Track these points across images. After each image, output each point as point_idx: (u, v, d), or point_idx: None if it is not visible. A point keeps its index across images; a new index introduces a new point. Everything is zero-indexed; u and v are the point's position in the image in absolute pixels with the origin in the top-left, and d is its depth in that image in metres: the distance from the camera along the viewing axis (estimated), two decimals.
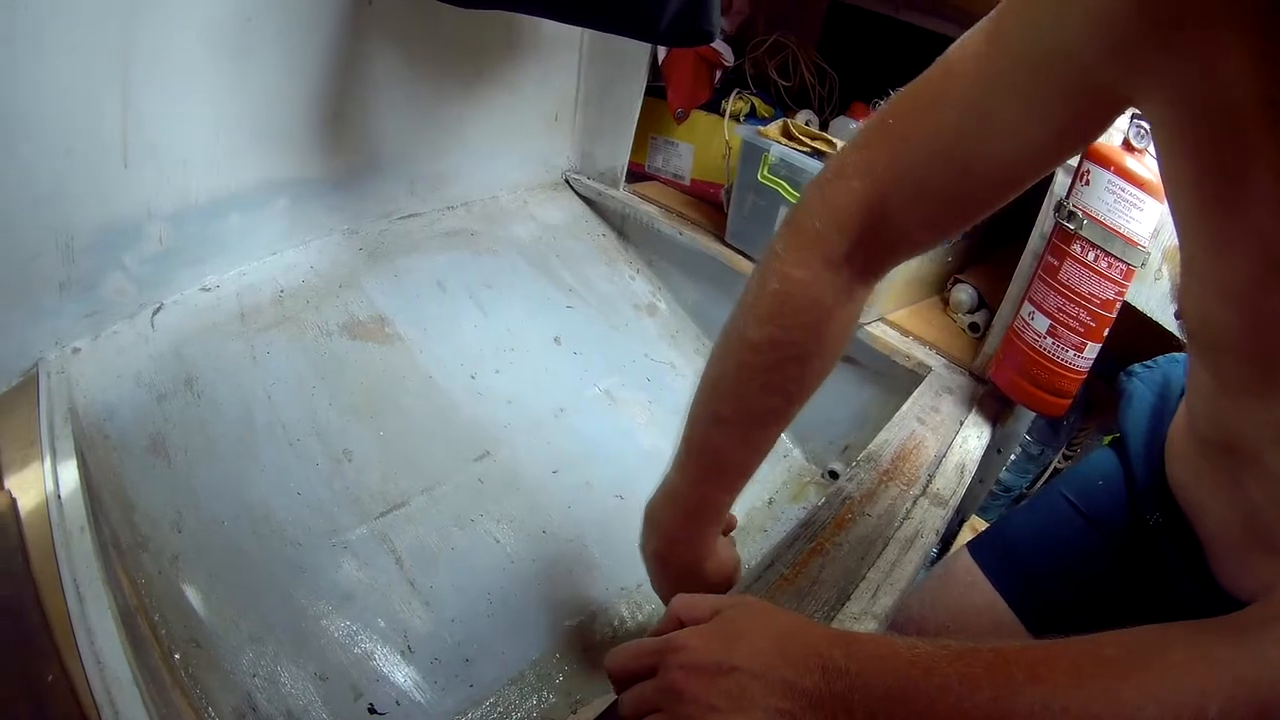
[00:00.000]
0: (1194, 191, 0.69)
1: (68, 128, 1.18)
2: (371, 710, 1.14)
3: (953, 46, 0.83)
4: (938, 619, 1.30)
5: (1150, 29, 0.63)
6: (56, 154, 1.18)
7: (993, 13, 0.80)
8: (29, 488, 1.04)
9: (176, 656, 1.08)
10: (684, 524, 1.13)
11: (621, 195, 2.17)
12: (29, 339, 1.26)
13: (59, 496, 1.04)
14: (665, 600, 1.18)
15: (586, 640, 1.34)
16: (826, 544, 1.14)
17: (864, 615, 1.03)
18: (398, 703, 1.16)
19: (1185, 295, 0.78)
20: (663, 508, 1.14)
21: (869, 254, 0.91)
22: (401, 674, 1.19)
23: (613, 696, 0.93)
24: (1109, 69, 0.69)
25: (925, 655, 0.72)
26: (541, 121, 2.09)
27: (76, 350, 1.30)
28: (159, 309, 1.42)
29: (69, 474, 1.08)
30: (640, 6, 1.40)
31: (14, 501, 1.02)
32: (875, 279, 0.96)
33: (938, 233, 0.94)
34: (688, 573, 1.14)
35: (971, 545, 1.37)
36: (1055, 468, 2.39)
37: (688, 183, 2.22)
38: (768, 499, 1.79)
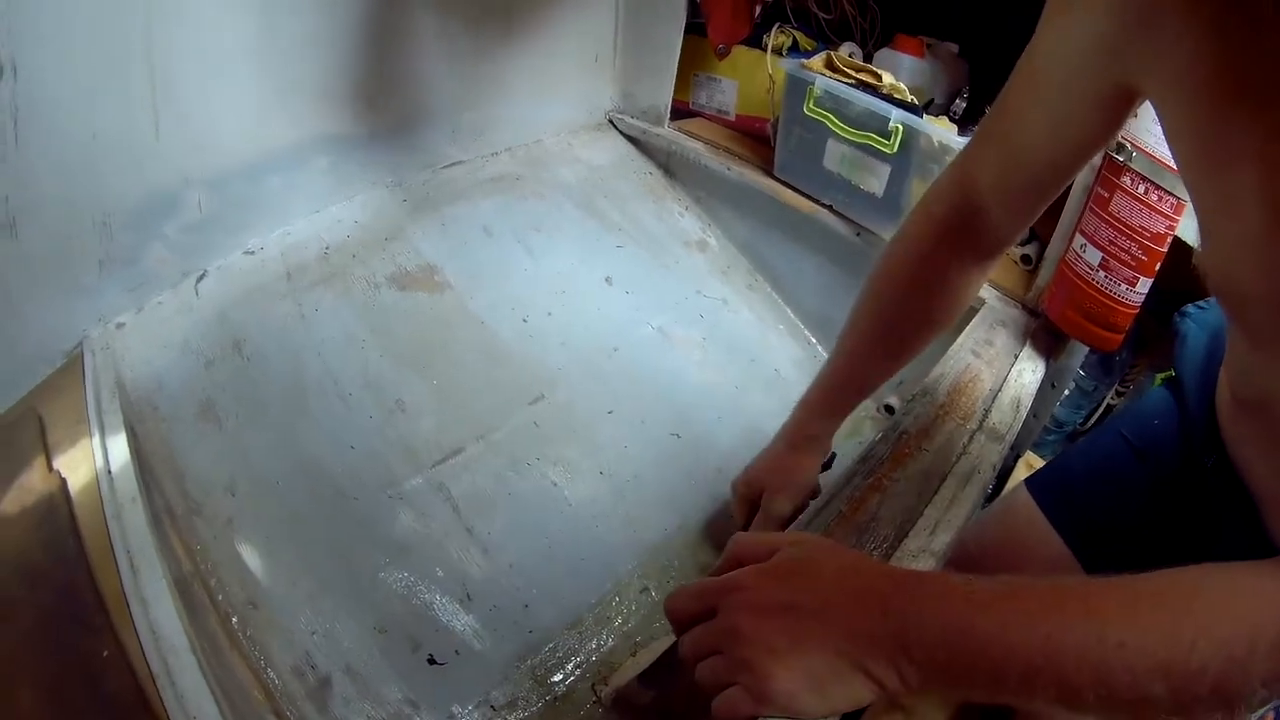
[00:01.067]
0: (1193, 159, 0.73)
1: (94, 104, 1.12)
2: (431, 660, 1.10)
3: (1015, 68, 0.94)
4: (995, 555, 1.32)
5: (1135, 39, 0.73)
6: (85, 132, 1.12)
7: (1032, 40, 0.91)
8: (78, 466, 1.00)
9: (234, 620, 1.04)
10: (801, 420, 1.27)
11: (666, 133, 2.09)
12: (71, 319, 1.21)
13: (109, 471, 0.99)
14: (743, 492, 1.30)
15: (644, 582, 1.30)
16: (884, 480, 1.11)
17: (922, 553, 1.00)
18: (456, 651, 1.12)
19: (1207, 254, 0.78)
20: (795, 410, 1.29)
21: (972, 236, 1.05)
22: (460, 622, 1.15)
23: (671, 638, 0.96)
24: (1118, 63, 0.77)
25: (982, 593, 0.71)
26: (582, 63, 2.01)
27: (121, 325, 1.26)
28: (203, 276, 1.37)
29: (119, 447, 1.03)
30: None
31: (64, 482, 0.98)
32: (983, 262, 1.11)
33: (1020, 217, 1.04)
34: (781, 465, 1.27)
35: (1030, 482, 1.37)
36: (1108, 404, 2.33)
37: (732, 118, 2.14)
38: None
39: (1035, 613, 0.69)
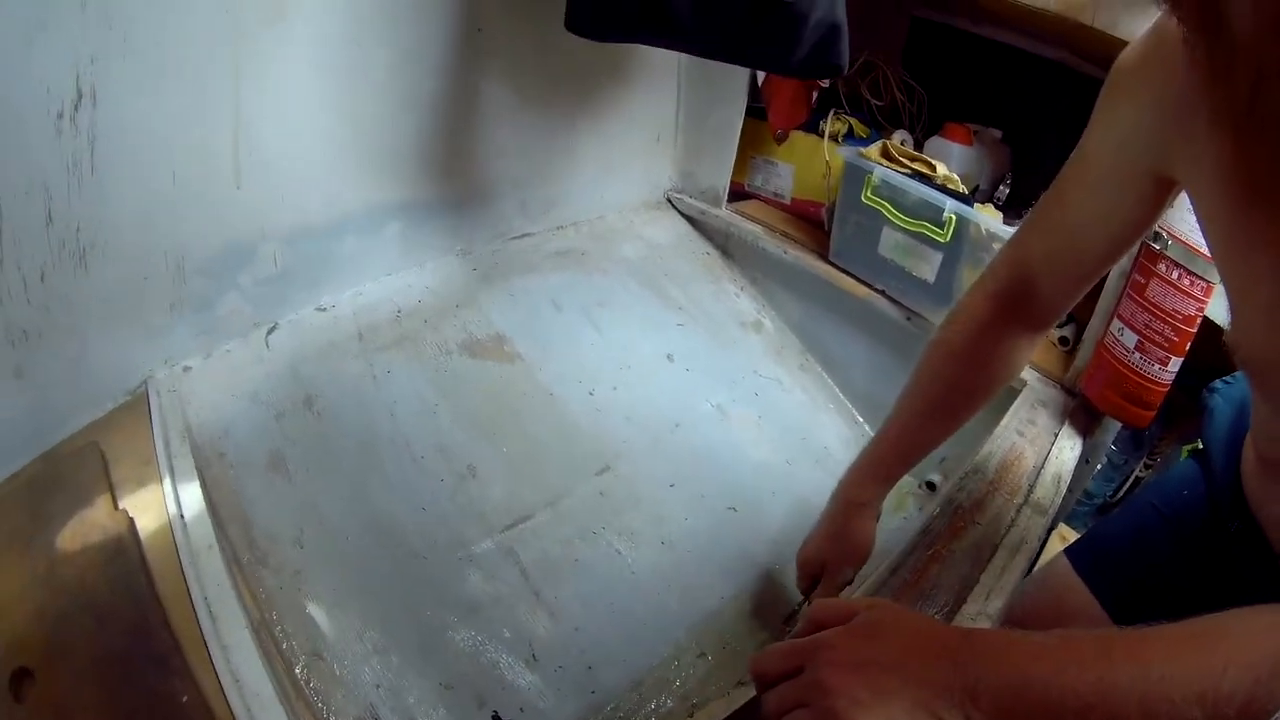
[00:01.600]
0: (1222, 243, 0.84)
1: (179, 149, 1.16)
2: (496, 717, 1.10)
3: (1068, 160, 1.05)
4: (1038, 619, 1.36)
5: (1170, 132, 0.84)
6: (167, 175, 1.15)
7: (1083, 134, 1.01)
8: (147, 508, 1.02)
9: (299, 669, 1.04)
10: (855, 486, 1.29)
11: (724, 214, 2.12)
12: (138, 358, 1.23)
13: (182, 516, 1.01)
14: (807, 565, 1.32)
15: (700, 647, 1.30)
16: (942, 551, 1.19)
17: (979, 616, 1.08)
18: (521, 709, 1.12)
19: (1235, 330, 0.87)
20: (846, 477, 1.31)
21: (1024, 311, 1.16)
22: (525, 681, 1.15)
23: (733, 700, 1.04)
24: (1158, 155, 0.89)
25: (1039, 645, 0.77)
26: (644, 143, 2.05)
27: (188, 369, 1.28)
28: (274, 328, 1.39)
29: (191, 493, 1.05)
30: (776, 42, 1.37)
31: (131, 522, 1.00)
32: (1032, 334, 1.20)
33: (1069, 295, 1.14)
34: (841, 534, 1.29)
35: (1069, 551, 1.41)
36: (1137, 476, 2.34)
37: (789, 201, 2.17)
38: None
39: (1087, 658, 0.74)
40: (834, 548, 1.30)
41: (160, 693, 0.83)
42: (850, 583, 1.29)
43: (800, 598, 1.35)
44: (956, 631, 0.86)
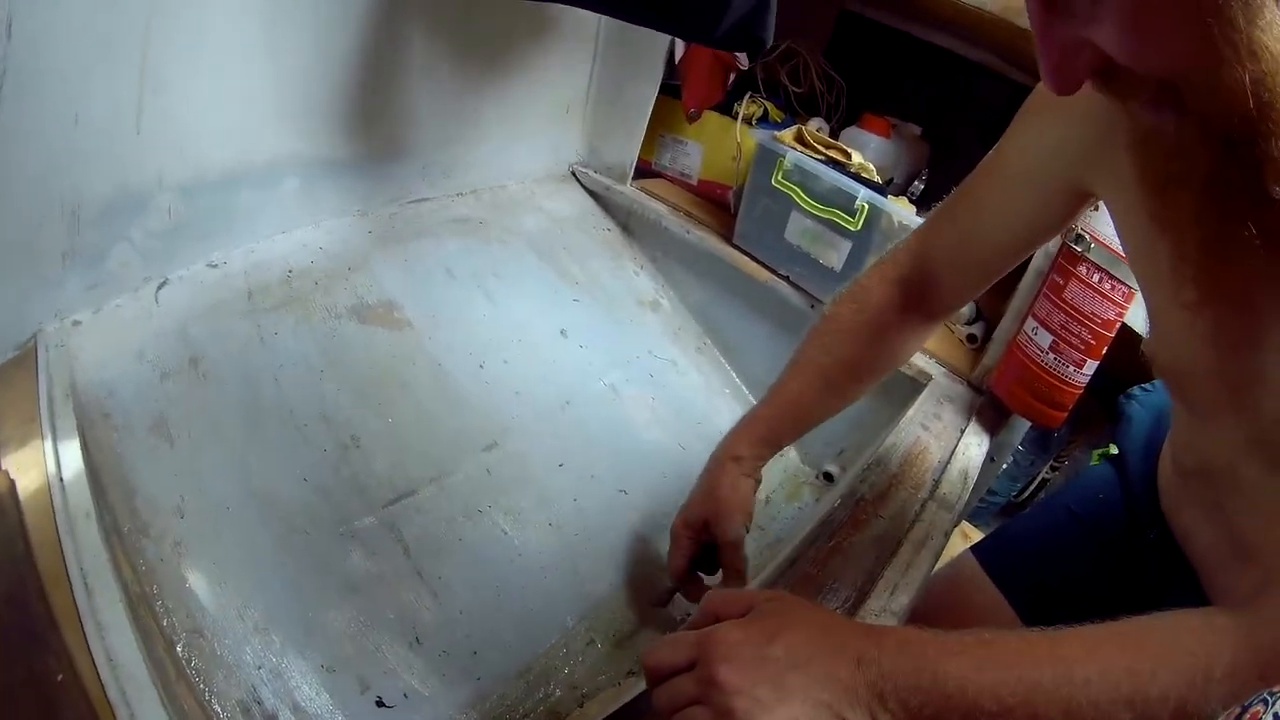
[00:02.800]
0: (1137, 252, 0.92)
1: (83, 85, 1.09)
2: (379, 703, 1.07)
3: (985, 158, 1.10)
4: (943, 618, 1.35)
5: (1092, 147, 0.91)
6: (69, 113, 1.09)
7: (1004, 135, 1.07)
8: (29, 468, 0.97)
9: (179, 648, 1.00)
10: (733, 443, 1.29)
11: (629, 191, 2.11)
12: (29, 309, 1.17)
13: (61, 480, 0.96)
14: (688, 528, 1.28)
15: (590, 634, 1.29)
16: (844, 543, 1.18)
17: (884, 612, 1.07)
18: (405, 695, 1.10)
19: (1154, 337, 0.93)
20: (724, 439, 1.31)
21: (922, 299, 1.20)
22: (409, 666, 1.13)
23: (624, 691, 1.05)
24: (1079, 167, 0.96)
25: (953, 643, 0.79)
26: (553, 113, 2.02)
27: (77, 323, 1.22)
28: (164, 284, 1.33)
29: (72, 456, 1.00)
30: (701, 10, 1.36)
31: (13, 483, 0.95)
32: (927, 323, 1.26)
33: (969, 289, 1.20)
34: (720, 488, 1.26)
35: (976, 549, 1.46)
36: (1043, 478, 2.41)
37: (695, 182, 2.17)
38: (764, 498, 1.74)
39: (1007, 657, 0.77)
40: (715, 504, 1.26)
41: (35, 671, 0.79)
42: (742, 540, 1.26)
43: (670, 581, 1.32)
44: (861, 627, 0.87)
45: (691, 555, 1.28)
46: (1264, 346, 0.78)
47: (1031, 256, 1.48)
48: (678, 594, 1.32)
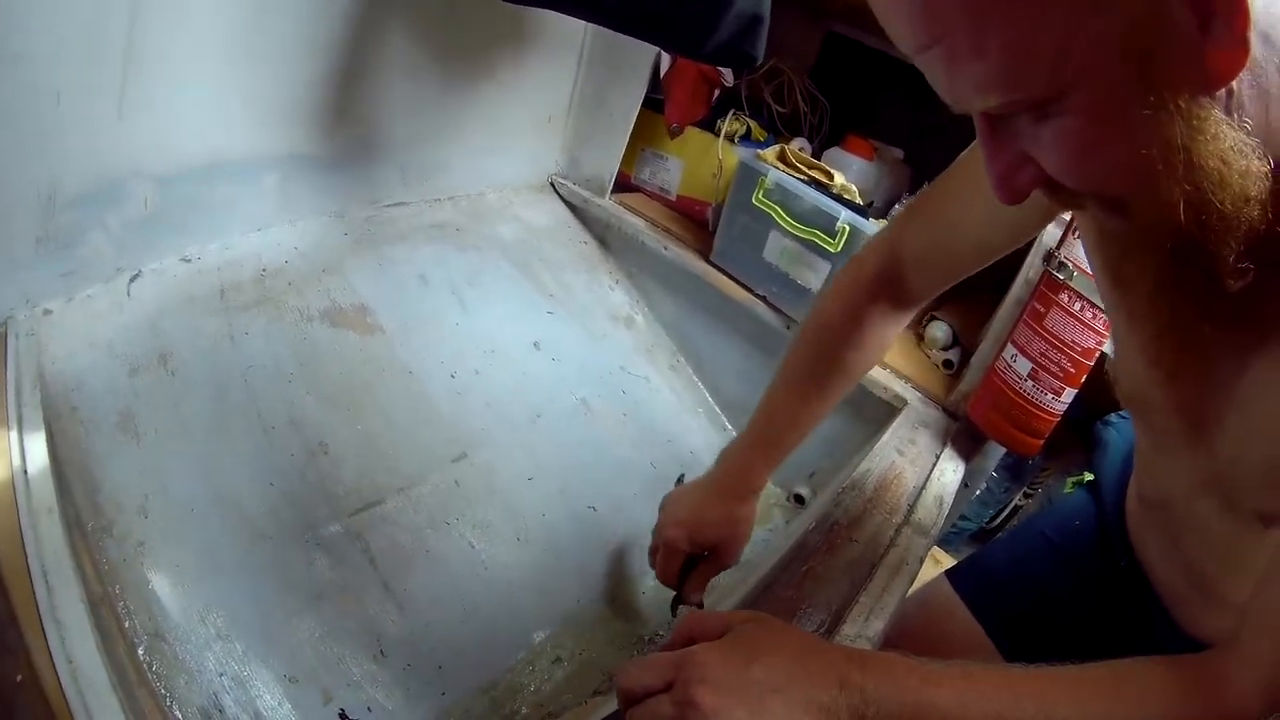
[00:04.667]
0: (1103, 279, 0.90)
1: (66, 63, 1.09)
2: (343, 716, 1.07)
3: (958, 158, 1.08)
4: (917, 642, 1.34)
5: None
6: (52, 97, 1.08)
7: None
8: None
9: (140, 651, 0.99)
10: (749, 469, 1.30)
11: (607, 204, 2.12)
12: (1, 295, 1.17)
13: (25, 472, 0.96)
14: (694, 542, 1.29)
15: (556, 651, 1.30)
16: (818, 567, 1.18)
17: (858, 638, 1.07)
18: (369, 709, 1.10)
19: (1116, 363, 0.95)
20: (737, 456, 1.31)
21: (893, 292, 1.19)
22: (374, 679, 1.13)
23: (590, 710, 1.06)
24: None
25: (936, 672, 0.78)
26: (535, 122, 2.03)
27: (48, 312, 1.21)
28: (137, 275, 1.33)
29: (38, 449, 1.00)
30: (693, 23, 1.37)
31: None
32: (900, 313, 1.23)
33: (937, 285, 1.19)
34: (736, 518, 1.30)
35: (951, 573, 1.45)
36: (1016, 505, 2.43)
37: (673, 198, 2.17)
38: None
39: (989, 692, 0.76)
40: (733, 531, 1.30)
41: None
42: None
43: (657, 582, 1.34)
44: (842, 650, 0.86)
45: (682, 568, 1.30)
46: (1221, 393, 0.79)
47: (1003, 257, 1.51)
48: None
